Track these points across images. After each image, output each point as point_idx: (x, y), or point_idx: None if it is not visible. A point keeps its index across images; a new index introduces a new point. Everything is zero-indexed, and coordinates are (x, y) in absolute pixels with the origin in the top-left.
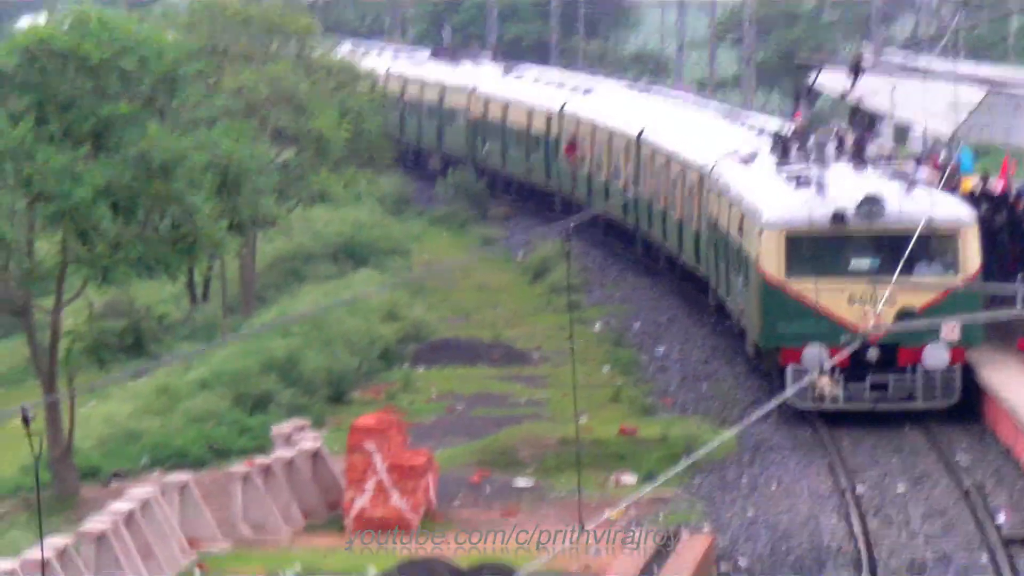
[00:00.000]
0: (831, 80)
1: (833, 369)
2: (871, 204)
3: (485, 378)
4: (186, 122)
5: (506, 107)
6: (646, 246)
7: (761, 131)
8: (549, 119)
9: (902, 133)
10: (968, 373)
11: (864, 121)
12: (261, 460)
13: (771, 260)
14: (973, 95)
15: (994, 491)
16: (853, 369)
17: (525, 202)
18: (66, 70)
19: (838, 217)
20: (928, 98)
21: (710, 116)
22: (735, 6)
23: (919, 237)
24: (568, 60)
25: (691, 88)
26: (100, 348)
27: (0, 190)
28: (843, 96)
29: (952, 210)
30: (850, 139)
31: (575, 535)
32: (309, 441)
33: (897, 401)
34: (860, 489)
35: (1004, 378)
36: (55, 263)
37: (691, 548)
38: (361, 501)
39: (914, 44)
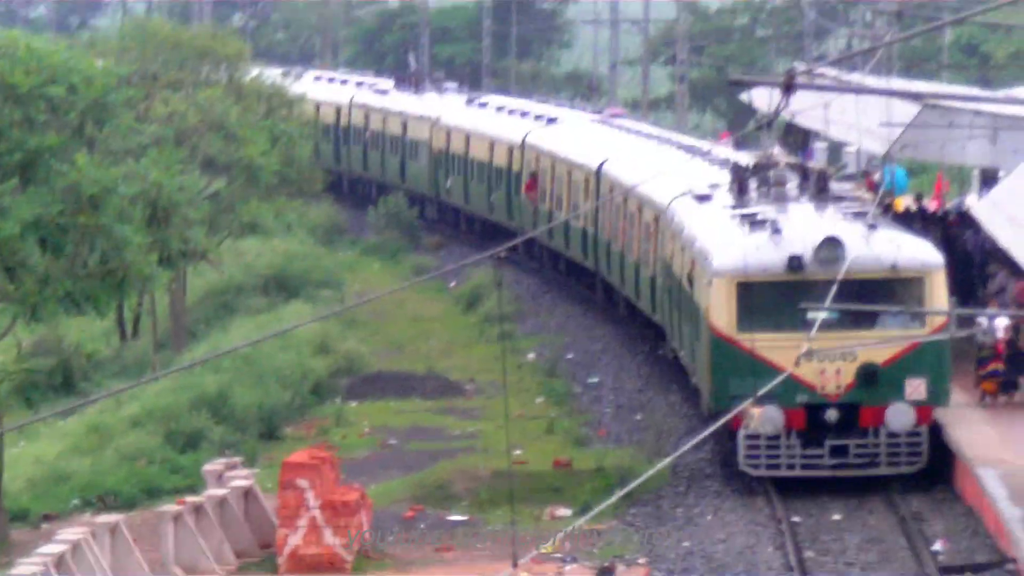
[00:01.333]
0: (764, 97)
1: (789, 431)
2: (830, 248)
3: (418, 411)
4: (116, 152)
5: (468, 139)
6: (607, 290)
7: (724, 164)
8: (511, 151)
9: (836, 151)
10: (936, 434)
11: (797, 140)
12: (193, 499)
13: (721, 312)
14: (907, 110)
15: (931, 519)
16: (810, 432)
17: (489, 242)
18: None
19: (794, 263)
20: (861, 114)
21: (676, 148)
22: (668, 24)
23: (882, 284)
24: (501, 81)
25: (623, 109)
26: (29, 387)
27: None
28: (776, 113)
29: (918, 253)
30: (814, 173)
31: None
32: (241, 479)
33: (859, 467)
34: (796, 518)
35: (972, 437)
36: None
37: None
38: (294, 539)
39: (847, 59)
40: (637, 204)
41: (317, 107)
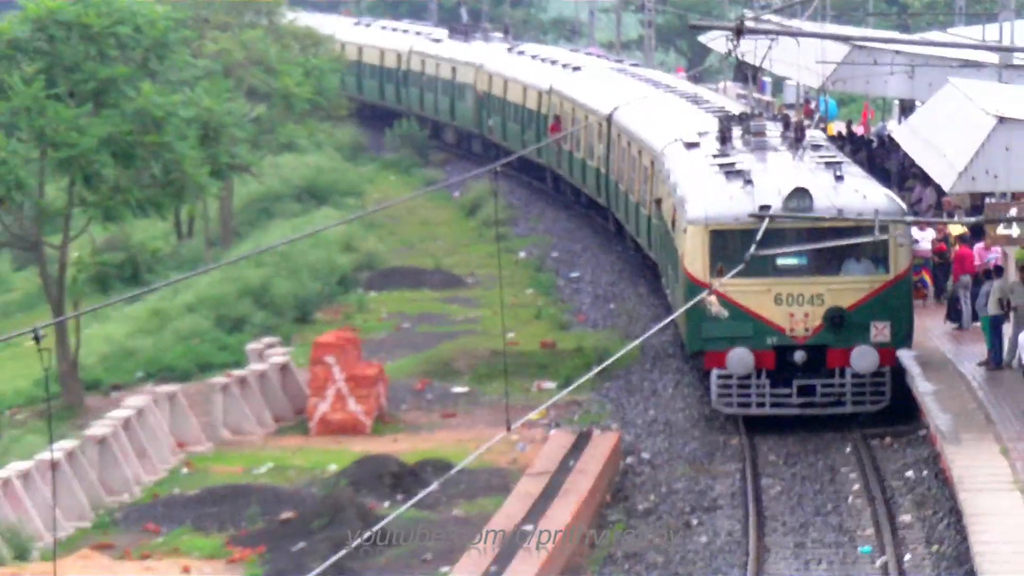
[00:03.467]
0: (719, 40)
1: (759, 372)
2: (799, 197)
3: (427, 300)
4: (174, 82)
5: (506, 84)
6: (618, 226)
7: (719, 112)
8: (540, 96)
9: (779, 85)
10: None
11: (748, 76)
12: (238, 373)
13: (695, 258)
14: (838, 51)
15: None
16: (779, 372)
17: (522, 177)
18: (71, 38)
19: (764, 212)
20: (800, 55)
21: (680, 97)
22: None
23: (848, 232)
24: (497, 26)
25: (601, 50)
26: (102, 278)
27: (16, 141)
28: (729, 53)
29: (883, 203)
30: (795, 121)
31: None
32: (278, 356)
33: (825, 406)
34: None
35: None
36: (63, 204)
37: (602, 443)
38: (323, 407)
39: (789, 7)
40: (638, 149)
41: (382, 53)
